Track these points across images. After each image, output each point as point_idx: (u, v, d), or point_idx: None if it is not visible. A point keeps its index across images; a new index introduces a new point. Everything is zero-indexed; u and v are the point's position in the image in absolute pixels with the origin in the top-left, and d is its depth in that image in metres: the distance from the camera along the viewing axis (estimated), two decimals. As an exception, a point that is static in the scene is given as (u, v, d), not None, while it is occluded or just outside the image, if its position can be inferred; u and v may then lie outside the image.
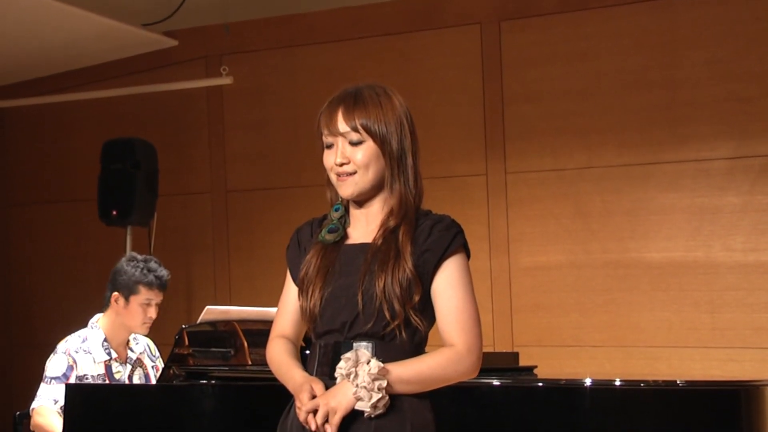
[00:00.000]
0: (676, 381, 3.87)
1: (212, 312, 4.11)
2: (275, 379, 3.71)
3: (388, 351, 2.31)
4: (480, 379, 3.19)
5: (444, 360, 2.31)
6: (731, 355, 5.44)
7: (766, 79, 5.54)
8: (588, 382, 3.75)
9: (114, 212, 6.16)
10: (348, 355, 2.28)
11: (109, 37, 6.54)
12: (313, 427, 2.24)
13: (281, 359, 2.45)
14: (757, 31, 5.57)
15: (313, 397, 2.26)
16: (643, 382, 3.90)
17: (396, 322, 2.29)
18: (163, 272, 4.26)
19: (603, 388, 3.75)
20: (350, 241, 2.44)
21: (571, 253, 5.90)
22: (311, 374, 2.37)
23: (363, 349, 2.29)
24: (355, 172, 2.38)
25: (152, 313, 4.20)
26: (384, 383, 2.23)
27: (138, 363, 4.25)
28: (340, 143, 2.39)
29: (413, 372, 2.29)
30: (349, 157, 2.38)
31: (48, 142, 7.40)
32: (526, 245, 6.00)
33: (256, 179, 6.70)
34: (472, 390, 3.53)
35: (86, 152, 6.68)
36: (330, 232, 2.43)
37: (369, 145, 2.37)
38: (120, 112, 6.97)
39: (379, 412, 2.24)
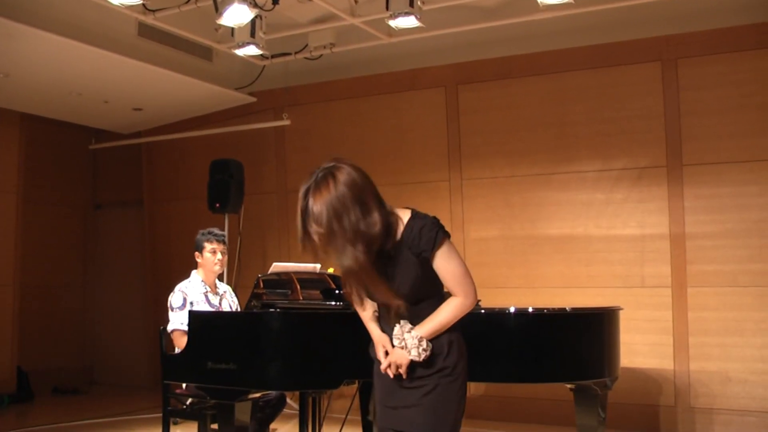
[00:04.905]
0: (565, 308, 3.89)
1: (277, 267, 4.11)
2: (316, 308, 3.69)
3: (420, 311, 2.29)
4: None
5: (453, 307, 2.28)
6: (599, 293, 5.47)
7: (618, 123, 5.53)
8: (512, 309, 3.77)
9: (217, 205, 6.17)
10: (396, 332, 2.28)
11: (214, 96, 6.56)
12: (391, 375, 2.29)
13: (364, 319, 2.45)
14: (613, 93, 5.57)
15: (386, 353, 2.30)
16: (546, 309, 3.92)
17: (421, 295, 2.28)
18: (216, 231, 4.16)
19: (521, 313, 3.77)
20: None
21: (502, 230, 5.90)
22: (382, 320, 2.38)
23: (405, 322, 2.28)
24: None
25: (219, 257, 4.10)
26: (424, 342, 2.24)
27: (223, 296, 4.19)
28: None
29: (437, 325, 2.27)
30: None
31: (177, 162, 7.39)
32: (474, 225, 5.99)
33: (306, 184, 6.68)
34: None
35: (200, 168, 6.66)
36: None
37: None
38: (220, 143, 6.96)
39: (425, 355, 2.25)
